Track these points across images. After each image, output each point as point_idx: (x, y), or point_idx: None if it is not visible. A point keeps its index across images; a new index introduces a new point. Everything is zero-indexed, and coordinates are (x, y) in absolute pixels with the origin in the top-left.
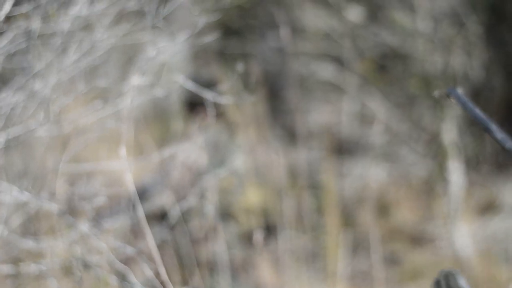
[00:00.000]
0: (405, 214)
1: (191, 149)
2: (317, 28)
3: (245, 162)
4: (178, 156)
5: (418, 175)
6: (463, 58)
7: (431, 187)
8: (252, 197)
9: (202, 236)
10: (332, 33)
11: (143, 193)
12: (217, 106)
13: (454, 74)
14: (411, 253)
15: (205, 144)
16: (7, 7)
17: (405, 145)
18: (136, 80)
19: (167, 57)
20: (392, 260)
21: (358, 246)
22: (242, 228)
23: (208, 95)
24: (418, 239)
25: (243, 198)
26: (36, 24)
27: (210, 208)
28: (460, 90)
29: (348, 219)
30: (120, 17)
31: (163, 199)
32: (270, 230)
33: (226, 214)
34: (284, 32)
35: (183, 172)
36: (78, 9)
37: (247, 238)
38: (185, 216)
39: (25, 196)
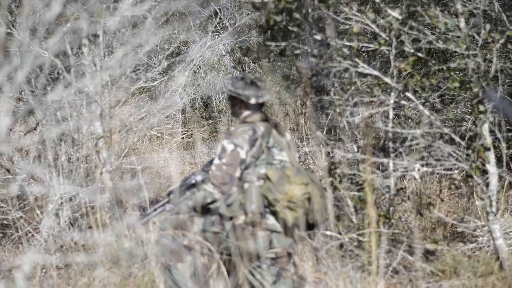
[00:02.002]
0: (445, 210)
1: (235, 144)
2: (360, 24)
3: (288, 156)
4: (226, 150)
5: (458, 172)
6: (503, 56)
7: (471, 184)
8: (295, 191)
9: (245, 229)
10: (375, 30)
11: (188, 187)
12: (261, 102)
13: (495, 72)
14: (451, 248)
15: (250, 138)
16: (57, 8)
17: (445, 141)
18: (182, 77)
19: (212, 55)
20: (432, 255)
21: (399, 241)
22: (285, 222)
23: (252, 92)
24: (458, 235)
25: (287, 192)
26: (84, 24)
27: (253, 200)
28: (498, 92)
29: (388, 214)
30: (166, 17)
31: (208, 193)
32: (312, 223)
33: (270, 207)
34: (328, 28)
35: (228, 166)
36: (125, 9)
37: (289, 232)
38: (229, 208)
39: (74, 190)
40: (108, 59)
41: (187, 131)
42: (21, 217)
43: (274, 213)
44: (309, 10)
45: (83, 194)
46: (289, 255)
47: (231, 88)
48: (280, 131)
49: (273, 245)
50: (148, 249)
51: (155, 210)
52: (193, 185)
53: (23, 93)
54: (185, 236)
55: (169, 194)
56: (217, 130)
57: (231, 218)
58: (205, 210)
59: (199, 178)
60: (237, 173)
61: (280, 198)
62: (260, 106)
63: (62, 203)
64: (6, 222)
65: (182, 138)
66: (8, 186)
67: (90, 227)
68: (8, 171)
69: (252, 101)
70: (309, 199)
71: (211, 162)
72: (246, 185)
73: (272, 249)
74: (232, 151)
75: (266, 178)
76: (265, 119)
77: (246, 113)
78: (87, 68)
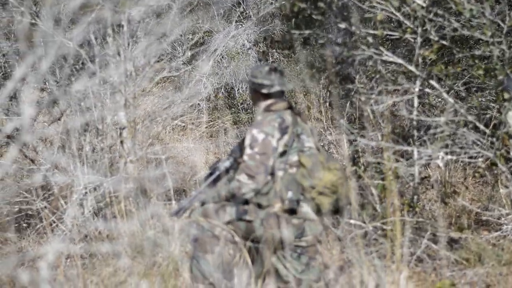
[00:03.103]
0: (470, 198)
1: (266, 133)
2: (384, 11)
3: (314, 144)
4: (257, 139)
5: (483, 160)
6: None
7: (495, 172)
8: (330, 176)
9: (280, 217)
10: (399, 17)
11: (219, 176)
12: (284, 90)
13: None
14: (475, 237)
15: (280, 126)
16: None
17: (469, 129)
18: (206, 67)
19: (236, 44)
20: (457, 243)
21: (423, 230)
22: (318, 208)
23: (274, 80)
24: (482, 223)
25: (322, 178)
26: (108, 13)
27: (290, 188)
28: None
29: (412, 203)
30: (190, 7)
31: (242, 183)
32: (338, 211)
33: (304, 194)
34: (353, 17)
35: (261, 156)
36: (150, 1)
37: (321, 219)
38: (265, 197)
39: (99, 179)
40: (132, 49)
41: (211, 120)
42: (45, 207)
43: (308, 201)
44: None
45: (108, 184)
46: (318, 242)
47: (253, 77)
48: (303, 118)
49: (306, 233)
50: (173, 238)
51: (189, 201)
52: (226, 171)
53: (47, 83)
54: (213, 226)
55: (204, 181)
56: (240, 119)
57: (265, 207)
58: (238, 199)
59: (227, 164)
60: (271, 162)
61: (316, 184)
62: (282, 94)
63: (86, 193)
64: (30, 212)
65: (206, 127)
66: (33, 176)
67: (115, 217)
68: (33, 161)
69: (275, 89)
70: (342, 184)
71: (239, 147)
72: (280, 173)
73: (304, 237)
74: (263, 140)
75: (300, 165)
76: (289, 107)
77: (269, 101)
78: (111, 58)
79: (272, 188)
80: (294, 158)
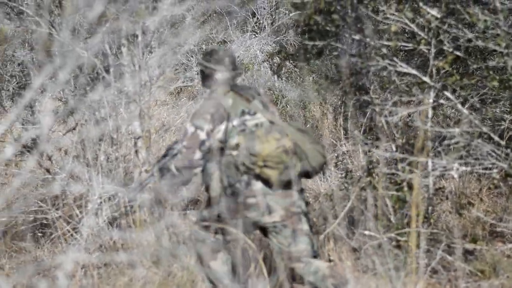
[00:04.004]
0: (484, 209)
1: (196, 126)
2: (398, 22)
3: (265, 116)
4: (187, 133)
5: (498, 171)
6: None
7: (510, 183)
8: (266, 149)
9: (235, 201)
10: (413, 29)
11: (165, 160)
12: (230, 76)
13: None
14: (490, 248)
15: (212, 117)
16: (99, 8)
17: (484, 140)
18: (221, 75)
19: (250, 54)
20: (471, 255)
21: (437, 241)
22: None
23: (221, 65)
24: (497, 234)
25: (260, 152)
26: (123, 24)
27: (228, 173)
28: None
29: (427, 214)
30: (204, 17)
31: (175, 174)
32: (308, 171)
33: (251, 172)
34: (367, 28)
35: (187, 149)
36: (165, 9)
37: (287, 192)
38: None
39: (114, 189)
40: (147, 59)
41: None
42: (60, 216)
43: (256, 177)
44: (349, 11)
45: (123, 194)
46: (297, 214)
47: (201, 61)
48: (248, 94)
49: (272, 208)
50: (188, 248)
51: (141, 184)
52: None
53: (62, 93)
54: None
55: (158, 165)
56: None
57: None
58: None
59: (179, 146)
60: (197, 156)
61: (255, 160)
62: (231, 79)
63: (101, 202)
64: (45, 222)
65: None
66: (48, 186)
67: (130, 227)
68: (48, 170)
69: (220, 75)
70: (286, 152)
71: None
72: (223, 159)
73: (274, 212)
74: (192, 133)
75: (239, 146)
76: (232, 90)
77: (214, 87)
78: (126, 68)
79: (215, 178)
80: (234, 141)
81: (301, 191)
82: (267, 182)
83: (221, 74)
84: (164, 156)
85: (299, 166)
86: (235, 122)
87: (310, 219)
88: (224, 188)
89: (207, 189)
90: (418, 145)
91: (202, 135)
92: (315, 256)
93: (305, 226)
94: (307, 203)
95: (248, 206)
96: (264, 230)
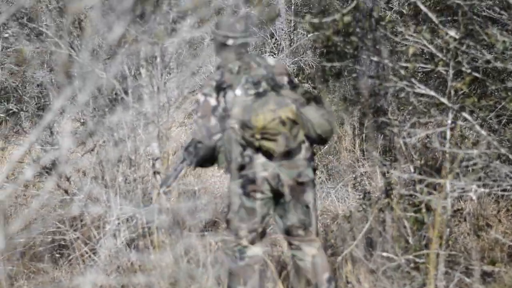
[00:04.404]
0: (503, 231)
1: (205, 94)
2: (417, 44)
3: (268, 84)
4: (199, 102)
5: None
6: None
7: None
8: (260, 121)
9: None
10: (431, 50)
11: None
12: (239, 43)
13: None
14: (508, 270)
15: (218, 84)
16: (119, 30)
17: (502, 162)
18: (232, 42)
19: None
20: (490, 277)
21: (456, 263)
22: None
23: (230, 33)
24: None
25: (256, 125)
26: (143, 45)
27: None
28: None
29: (445, 235)
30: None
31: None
32: (315, 138)
33: (252, 145)
34: (385, 50)
35: (202, 119)
36: (184, 31)
37: (292, 163)
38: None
39: (133, 210)
40: (166, 80)
41: None
42: (78, 237)
43: (260, 149)
44: (367, 32)
45: (141, 215)
46: (302, 184)
47: (213, 29)
48: (255, 62)
49: (281, 178)
50: (206, 270)
51: (175, 170)
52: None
53: (80, 114)
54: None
55: (185, 150)
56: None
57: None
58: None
59: (194, 117)
60: (212, 122)
61: (252, 133)
62: (242, 46)
63: (119, 223)
64: (63, 243)
65: None
66: (66, 207)
67: (147, 248)
68: (66, 191)
69: (231, 41)
70: (283, 123)
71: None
72: (226, 132)
73: (281, 182)
74: (203, 102)
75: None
76: (240, 57)
77: (224, 55)
78: (144, 89)
79: (221, 151)
80: (235, 111)
81: (311, 158)
82: (268, 155)
83: (232, 41)
84: (191, 139)
85: (302, 134)
86: (238, 91)
87: (315, 185)
88: (228, 163)
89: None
90: (441, 168)
91: (213, 101)
92: (308, 227)
93: (307, 197)
94: (314, 170)
95: (260, 180)
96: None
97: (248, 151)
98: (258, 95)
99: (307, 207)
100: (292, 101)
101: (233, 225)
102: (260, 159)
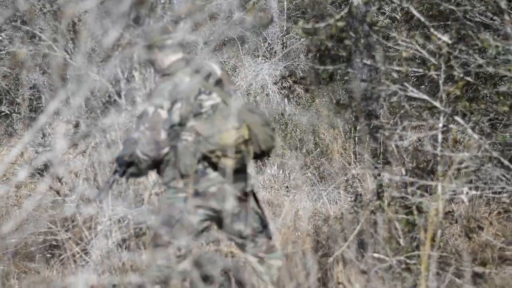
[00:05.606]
0: (493, 233)
1: (155, 105)
2: (409, 48)
3: (220, 96)
4: (147, 113)
5: (507, 195)
6: None
7: None
8: (227, 139)
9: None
10: (424, 55)
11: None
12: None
13: None
14: (499, 272)
15: (171, 95)
16: (114, 34)
17: (494, 165)
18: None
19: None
20: (481, 278)
21: (447, 264)
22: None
23: (167, 38)
24: (506, 258)
25: (219, 142)
26: (136, 49)
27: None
28: None
29: (436, 237)
30: (216, 42)
31: (141, 159)
32: (258, 154)
33: (206, 160)
34: (378, 54)
35: (151, 131)
36: (180, 36)
37: (238, 177)
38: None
39: (124, 211)
40: None
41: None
42: (69, 238)
43: (213, 165)
44: (360, 36)
45: (132, 216)
46: (247, 194)
47: (145, 41)
48: (205, 71)
49: (228, 196)
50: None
51: (107, 183)
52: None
53: (73, 116)
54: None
55: (117, 161)
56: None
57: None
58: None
59: (136, 135)
60: (162, 136)
61: (214, 149)
62: (180, 49)
63: (111, 224)
64: (55, 243)
65: None
66: (58, 208)
67: (139, 248)
68: (58, 192)
69: (174, 48)
70: (245, 142)
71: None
72: (179, 144)
73: (229, 200)
74: (153, 113)
75: (196, 132)
76: (189, 66)
77: (167, 62)
78: (138, 92)
79: (170, 164)
80: (190, 123)
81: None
82: (222, 171)
83: (167, 48)
84: (123, 149)
85: (252, 151)
86: (191, 102)
87: (256, 192)
88: (181, 177)
89: (160, 172)
90: (432, 171)
91: (164, 114)
92: (263, 231)
93: (253, 204)
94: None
95: (209, 195)
96: (219, 221)
97: (200, 166)
98: (212, 107)
99: (257, 213)
100: (244, 116)
101: (163, 240)
102: (212, 174)
